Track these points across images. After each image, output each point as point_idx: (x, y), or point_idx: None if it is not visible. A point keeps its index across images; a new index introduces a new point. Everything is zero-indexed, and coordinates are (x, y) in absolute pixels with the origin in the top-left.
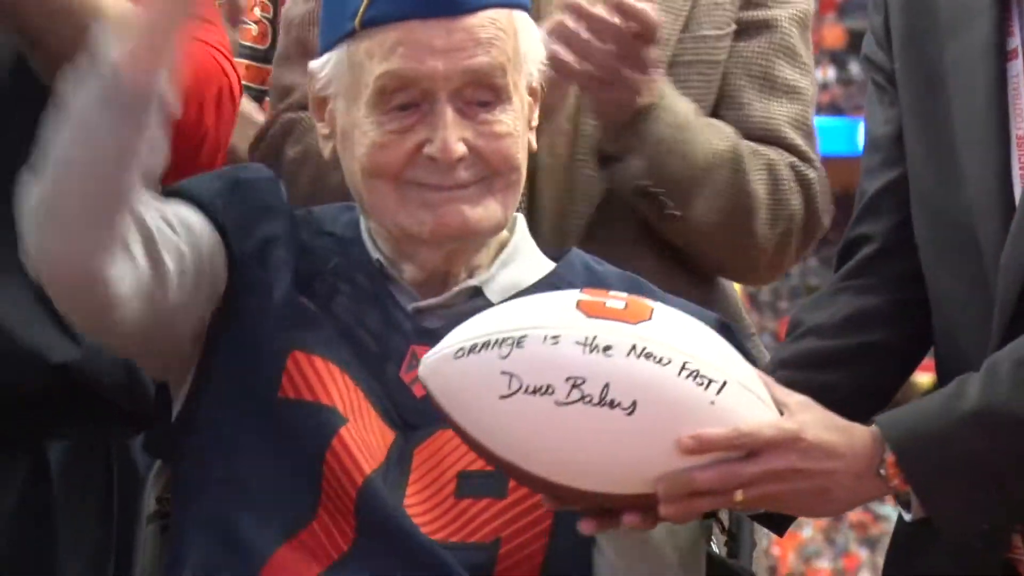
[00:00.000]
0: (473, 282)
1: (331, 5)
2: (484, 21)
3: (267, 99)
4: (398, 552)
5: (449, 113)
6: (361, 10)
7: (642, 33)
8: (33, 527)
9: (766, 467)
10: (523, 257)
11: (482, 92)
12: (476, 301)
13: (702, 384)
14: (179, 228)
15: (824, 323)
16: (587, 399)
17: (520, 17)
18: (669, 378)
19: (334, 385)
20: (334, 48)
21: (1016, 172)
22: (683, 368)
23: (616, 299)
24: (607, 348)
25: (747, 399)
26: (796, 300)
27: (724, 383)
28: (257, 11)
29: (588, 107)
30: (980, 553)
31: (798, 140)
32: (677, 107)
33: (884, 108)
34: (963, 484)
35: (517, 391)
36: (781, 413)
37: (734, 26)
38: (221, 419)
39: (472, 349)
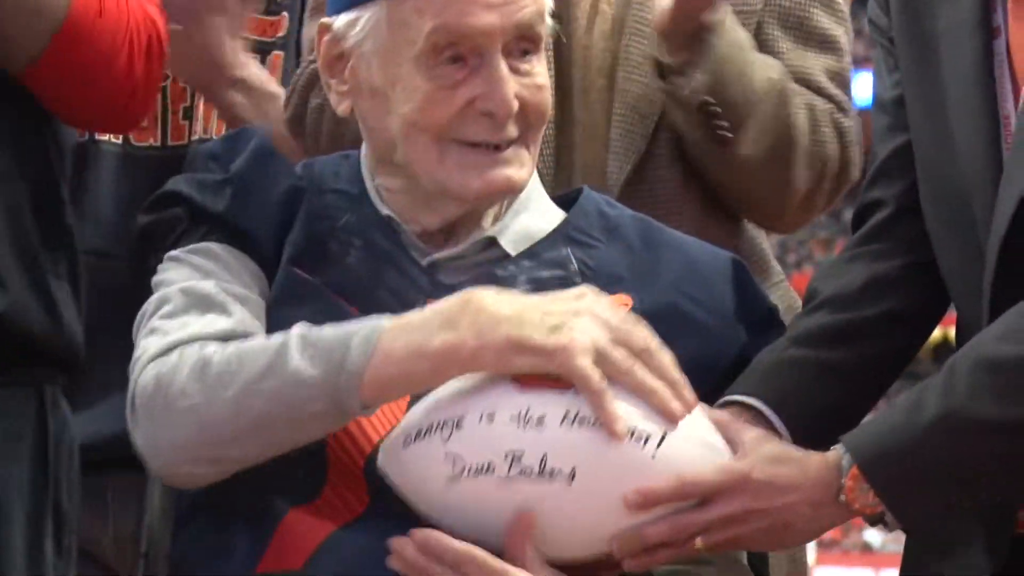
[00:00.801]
0: (488, 232)
1: None
2: None
3: (275, 52)
4: (411, 512)
5: (504, 67)
6: None
7: None
8: None
9: (719, 513)
10: (535, 205)
11: (524, 43)
12: (491, 251)
13: (640, 440)
14: (251, 322)
15: (840, 293)
16: (527, 472)
17: None
18: (606, 440)
19: None
20: (367, 5)
21: (1004, 150)
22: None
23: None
24: (540, 419)
25: (690, 447)
26: (803, 253)
27: (663, 435)
28: None
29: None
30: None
31: (834, 89)
32: (738, 31)
33: (889, 72)
34: (935, 493)
35: (462, 472)
36: (735, 450)
37: None
38: None
39: (418, 435)
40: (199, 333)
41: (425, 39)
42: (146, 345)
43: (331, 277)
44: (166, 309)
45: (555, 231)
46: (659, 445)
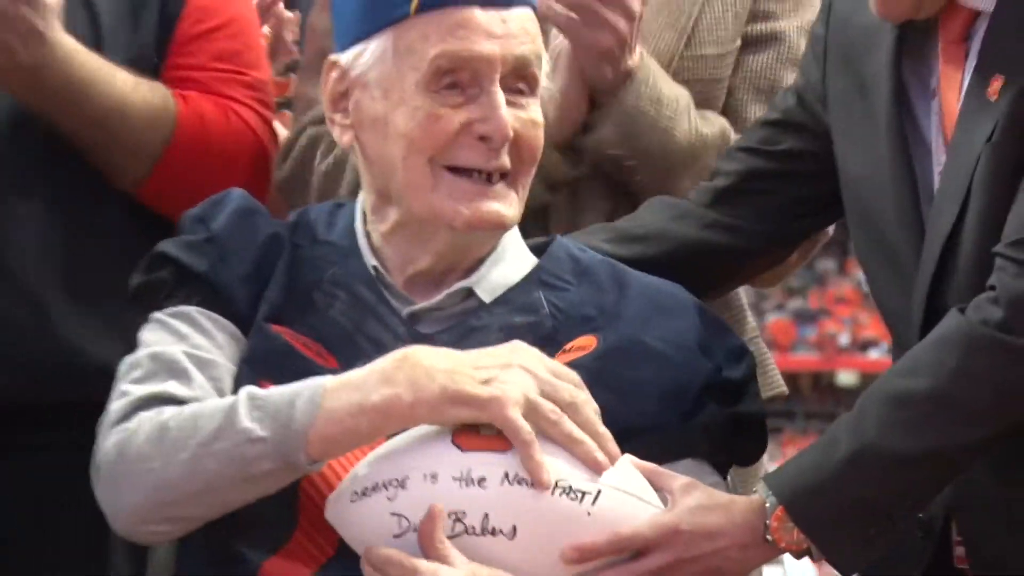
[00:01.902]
0: (465, 284)
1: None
2: (525, 17)
3: (285, 111)
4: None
5: (501, 95)
6: None
7: None
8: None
9: (653, 564)
10: (511, 254)
11: (520, 81)
12: (468, 302)
13: (576, 498)
14: (210, 390)
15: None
16: (470, 530)
17: (539, 31)
18: (543, 498)
19: None
20: (372, 37)
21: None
22: (555, 486)
23: (489, 427)
24: (481, 480)
25: (624, 501)
26: (775, 302)
27: (598, 492)
28: (265, 29)
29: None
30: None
31: None
32: (661, 87)
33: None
34: (855, 526)
35: (407, 531)
36: (665, 500)
37: (739, 41)
38: None
39: (364, 492)
40: (158, 397)
41: (429, 64)
42: (111, 409)
43: (313, 328)
44: (135, 374)
45: (527, 277)
46: (594, 502)
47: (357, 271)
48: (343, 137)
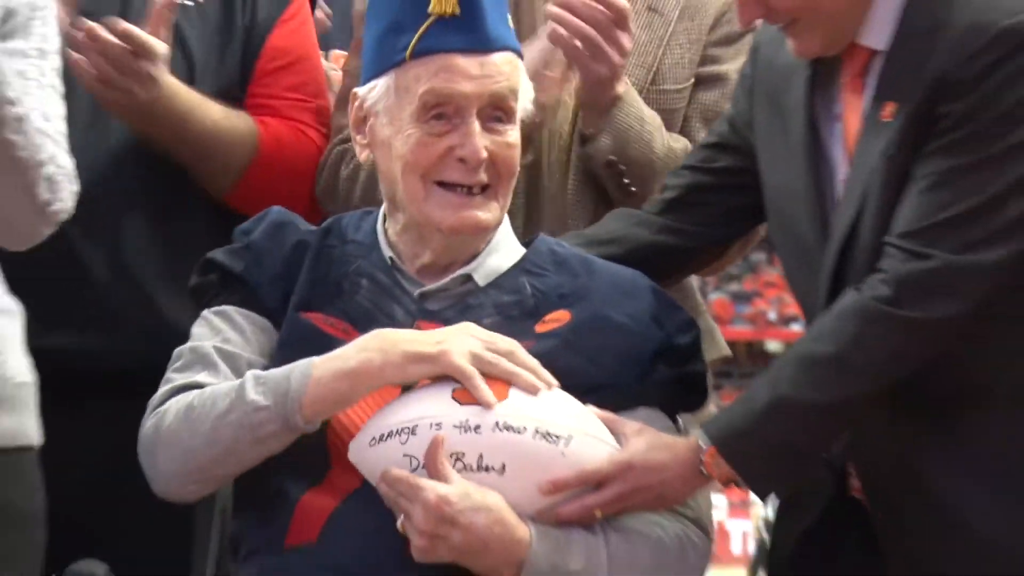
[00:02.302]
0: (465, 270)
1: (379, 46)
2: (502, 59)
3: None
4: None
5: (477, 125)
6: (412, 45)
7: (616, 19)
8: None
9: (612, 493)
10: (503, 246)
11: (498, 112)
12: (468, 285)
13: (553, 441)
14: (233, 377)
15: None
16: (468, 468)
17: (520, 63)
18: (526, 441)
19: None
20: (381, 76)
21: (831, 208)
22: (536, 432)
23: None
24: (477, 427)
25: (591, 443)
26: (723, 286)
27: (570, 436)
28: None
29: (577, 99)
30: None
31: None
32: (642, 108)
33: (731, 133)
34: (770, 461)
35: (416, 468)
36: (621, 442)
37: (693, 80)
38: None
39: (380, 438)
40: (189, 385)
41: (419, 99)
42: (155, 395)
43: (342, 310)
44: (177, 364)
45: (515, 265)
46: (567, 444)
47: (377, 262)
48: (362, 154)
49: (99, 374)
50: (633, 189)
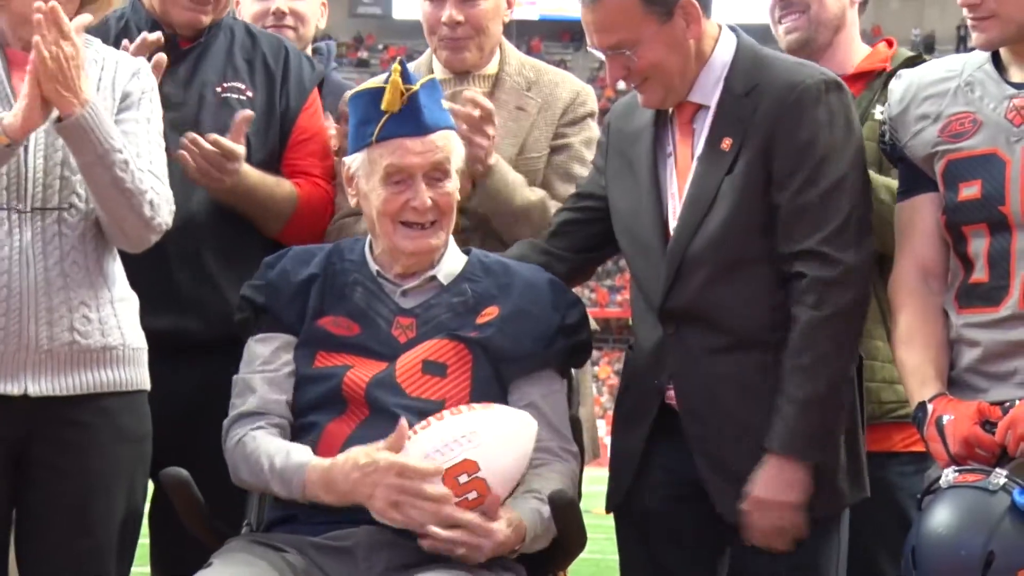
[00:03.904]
0: (431, 273)
1: (356, 132)
2: (439, 137)
3: None
4: (390, 409)
5: (423, 185)
6: (376, 131)
7: (483, 116)
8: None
9: None
10: (451, 255)
11: (437, 173)
12: (433, 283)
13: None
14: (270, 395)
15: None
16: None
17: (453, 134)
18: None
19: (349, 353)
20: (359, 152)
21: (671, 221)
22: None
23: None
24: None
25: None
26: (602, 281)
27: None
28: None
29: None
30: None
31: None
32: (507, 175)
33: (598, 173)
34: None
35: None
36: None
37: (548, 148)
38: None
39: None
40: (242, 414)
41: (383, 169)
42: (227, 418)
43: (345, 310)
44: (235, 391)
45: (459, 274)
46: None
47: (367, 274)
48: (352, 201)
49: (188, 343)
50: (500, 230)
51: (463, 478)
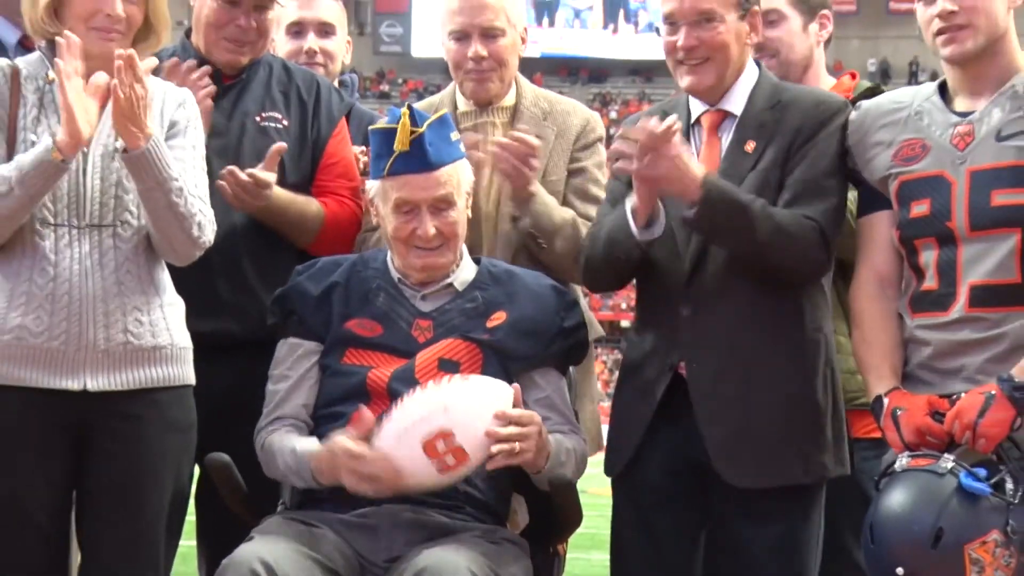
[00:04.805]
0: (448, 280)
1: (374, 163)
2: (444, 172)
3: None
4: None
5: (428, 216)
6: (387, 167)
7: (527, 151)
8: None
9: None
10: (465, 265)
11: (441, 204)
12: (449, 289)
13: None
14: (293, 400)
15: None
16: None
17: (460, 164)
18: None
19: (373, 351)
20: (376, 181)
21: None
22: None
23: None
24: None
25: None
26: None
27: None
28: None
29: (506, 196)
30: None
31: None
32: (546, 199)
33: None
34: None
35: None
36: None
37: (567, 172)
38: (326, 376)
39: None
40: (269, 419)
41: (394, 202)
42: (259, 423)
43: (370, 313)
44: (266, 401)
45: (472, 282)
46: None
47: (389, 280)
48: (374, 221)
49: (228, 343)
50: (543, 245)
51: (440, 445)
